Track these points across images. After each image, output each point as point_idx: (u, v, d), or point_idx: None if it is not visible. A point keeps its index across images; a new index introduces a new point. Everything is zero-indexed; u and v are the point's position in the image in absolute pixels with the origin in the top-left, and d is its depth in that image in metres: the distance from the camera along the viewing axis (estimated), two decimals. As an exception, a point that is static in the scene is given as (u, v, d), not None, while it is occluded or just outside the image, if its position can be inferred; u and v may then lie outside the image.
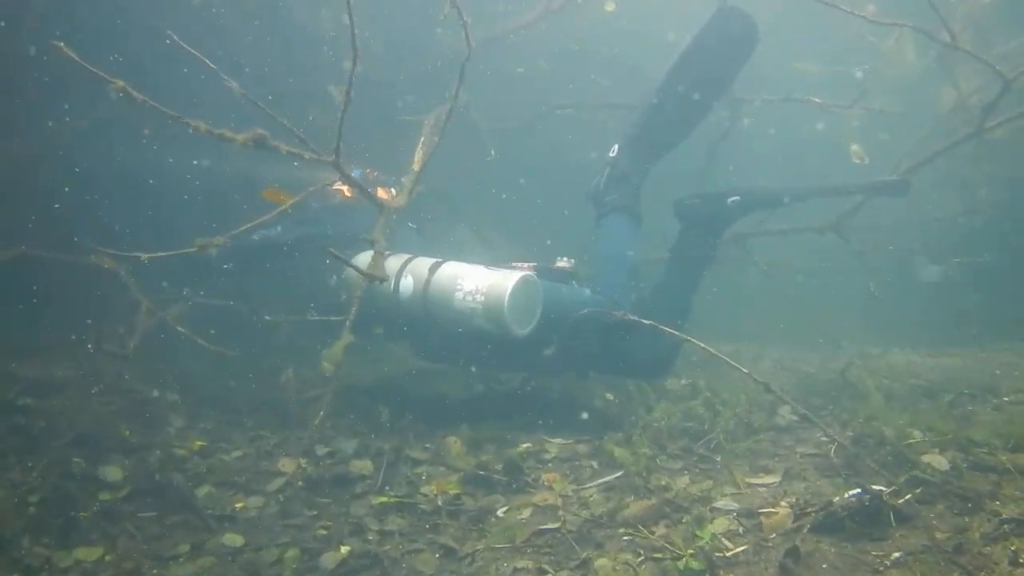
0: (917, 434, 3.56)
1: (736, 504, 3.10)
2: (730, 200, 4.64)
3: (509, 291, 4.06)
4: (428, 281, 4.31)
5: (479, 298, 4.14)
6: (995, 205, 6.50)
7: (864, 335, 6.46)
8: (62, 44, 2.62)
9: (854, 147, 4.85)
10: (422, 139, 4.75)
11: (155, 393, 4.53)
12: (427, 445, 4.15)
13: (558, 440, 4.16)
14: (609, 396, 5.08)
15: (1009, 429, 3.54)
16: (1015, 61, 4.19)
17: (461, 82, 3.28)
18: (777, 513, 2.91)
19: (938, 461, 3.22)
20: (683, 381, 5.24)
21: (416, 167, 4.56)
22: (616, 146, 4.90)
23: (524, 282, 4.15)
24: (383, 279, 3.34)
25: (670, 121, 4.88)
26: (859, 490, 2.85)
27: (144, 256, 2.91)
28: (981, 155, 5.45)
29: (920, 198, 5.26)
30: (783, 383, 5.16)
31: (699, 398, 4.02)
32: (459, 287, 4.21)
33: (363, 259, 4.43)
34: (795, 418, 4.28)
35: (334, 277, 4.61)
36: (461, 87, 3.30)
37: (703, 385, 4.17)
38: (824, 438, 3.73)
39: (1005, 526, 2.69)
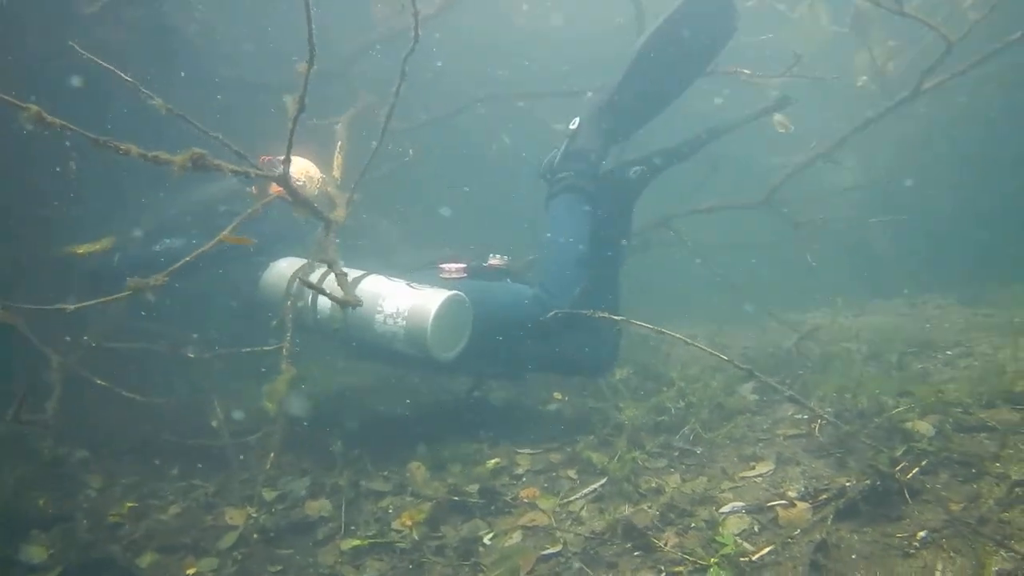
0: (890, 402, 3.54)
1: (741, 501, 2.95)
2: (632, 171, 4.46)
3: (432, 315, 3.73)
4: None
5: (400, 322, 3.80)
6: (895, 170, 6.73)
7: (783, 302, 6.51)
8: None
9: (778, 117, 4.81)
10: (339, 143, 4.37)
11: (62, 451, 4.01)
12: (385, 474, 3.83)
13: (527, 451, 3.91)
14: (558, 396, 4.88)
15: (975, 387, 3.55)
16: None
17: (402, 79, 2.97)
18: (794, 506, 2.78)
19: (924, 428, 3.19)
20: (628, 370, 5.11)
21: (337, 173, 4.20)
22: (577, 119, 4.45)
23: (449, 304, 3.82)
24: (357, 304, 2.99)
25: (643, 92, 4.40)
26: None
27: (69, 307, 2.46)
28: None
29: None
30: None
31: (671, 390, 3.86)
32: (380, 309, 3.86)
33: (286, 266, 4.21)
34: (757, 397, 4.22)
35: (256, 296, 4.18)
36: (402, 84, 2.98)
37: (675, 375, 4.01)
38: (802, 416, 3.67)
39: (1017, 489, 2.66)
